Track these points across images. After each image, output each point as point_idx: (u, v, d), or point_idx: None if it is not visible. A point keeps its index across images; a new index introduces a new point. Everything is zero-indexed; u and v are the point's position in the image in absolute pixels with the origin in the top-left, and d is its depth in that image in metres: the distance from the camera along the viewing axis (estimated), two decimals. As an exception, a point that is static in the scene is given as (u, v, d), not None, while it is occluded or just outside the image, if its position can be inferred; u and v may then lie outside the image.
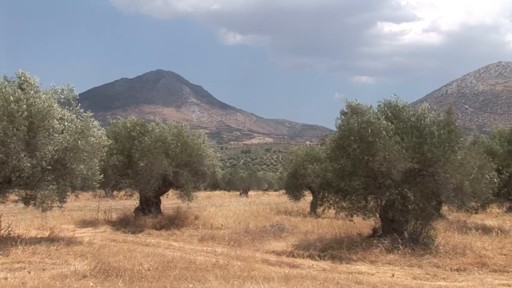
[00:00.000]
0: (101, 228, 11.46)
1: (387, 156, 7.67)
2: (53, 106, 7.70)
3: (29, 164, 7.37)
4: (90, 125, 8.39)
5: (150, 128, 12.45)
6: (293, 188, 17.30)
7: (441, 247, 7.80)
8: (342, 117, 8.72)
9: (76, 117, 8.44)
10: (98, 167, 8.76)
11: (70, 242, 8.40)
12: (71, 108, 8.54)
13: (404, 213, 8.32)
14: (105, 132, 9.27)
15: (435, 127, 8.11)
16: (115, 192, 26.06)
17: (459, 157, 8.03)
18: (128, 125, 12.48)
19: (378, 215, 8.75)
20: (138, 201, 13.33)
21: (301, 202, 18.23)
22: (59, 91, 8.35)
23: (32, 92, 7.87)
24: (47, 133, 7.71)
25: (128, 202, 18.24)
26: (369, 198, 8.74)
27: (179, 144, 12.08)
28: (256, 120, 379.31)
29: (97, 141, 8.39)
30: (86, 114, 8.57)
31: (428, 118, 8.32)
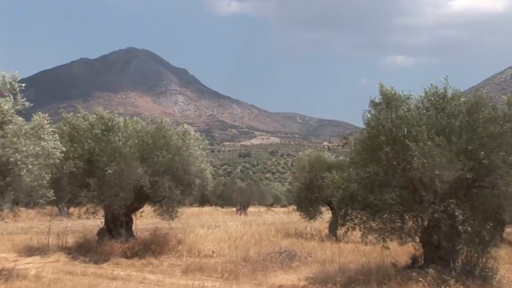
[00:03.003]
0: (53, 256, 11.46)
1: (426, 164, 7.66)
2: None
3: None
4: (38, 123, 8.37)
5: (119, 124, 12.50)
6: (307, 203, 17.37)
7: (504, 282, 7.87)
8: (373, 110, 8.74)
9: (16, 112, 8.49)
10: (47, 176, 8.79)
11: (10, 276, 8.36)
12: (12, 101, 8.50)
13: (453, 237, 8.33)
14: (57, 130, 9.26)
15: (495, 124, 8.09)
16: (71, 209, 26.17)
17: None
18: (90, 120, 12.52)
19: (418, 239, 8.77)
20: (103, 221, 13.38)
21: (316, 221, 18.30)
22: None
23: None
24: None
25: (89, 222, 18.29)
26: (407, 217, 8.76)
27: (158, 145, 12.16)
28: (257, 114, 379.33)
29: (47, 145, 8.40)
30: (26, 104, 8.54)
31: (486, 111, 8.27)
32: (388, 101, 8.48)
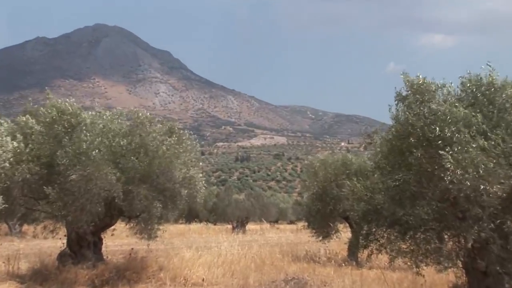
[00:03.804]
0: (2, 286, 11.42)
1: (466, 175, 7.55)
2: None
3: None
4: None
5: (86, 120, 12.45)
6: (320, 218, 17.34)
7: None
8: (399, 104, 8.75)
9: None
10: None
11: None
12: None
13: (505, 262, 8.31)
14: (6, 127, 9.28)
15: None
16: (25, 227, 26.17)
17: None
18: (49, 113, 12.40)
19: (461, 265, 8.75)
20: (64, 242, 13.34)
21: (332, 241, 18.28)
22: None
23: None
24: None
25: (47, 243, 18.28)
26: (446, 236, 8.75)
27: (134, 146, 12.20)
28: (259, 107, 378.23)
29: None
30: None
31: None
32: (416, 93, 8.48)
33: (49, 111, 12.38)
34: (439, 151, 7.81)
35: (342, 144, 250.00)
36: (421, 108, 8.28)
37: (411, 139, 8.32)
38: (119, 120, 12.87)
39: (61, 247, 13.48)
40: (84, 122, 12.33)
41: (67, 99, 12.79)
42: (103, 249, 13.71)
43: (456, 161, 7.57)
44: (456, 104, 8.15)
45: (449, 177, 7.65)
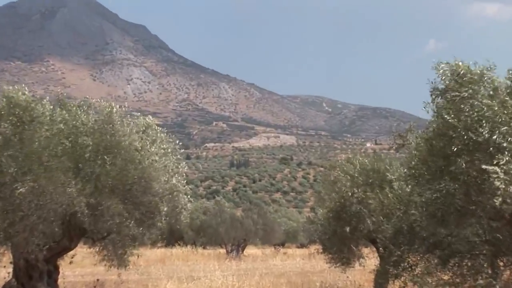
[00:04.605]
0: None
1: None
2: None
3: None
4: None
5: (39, 112, 12.11)
6: (339, 241, 17.17)
7: None
8: (437, 97, 8.74)
9: None
10: None
11: None
12: None
13: None
14: None
15: None
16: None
17: None
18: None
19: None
20: (10, 270, 13.29)
21: (355, 270, 18.21)
22: None
23: None
24: None
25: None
26: (501, 264, 8.75)
27: (101, 149, 12.16)
28: (260, 98, 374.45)
29: None
30: None
31: None
32: (457, 86, 8.38)
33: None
34: (483, 166, 7.69)
35: (368, 145, 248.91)
36: (463, 106, 8.16)
37: (455, 139, 8.24)
38: (85, 115, 12.71)
39: (5, 278, 13.47)
40: (39, 118, 11.97)
41: (16, 86, 12.47)
42: (60, 280, 13.58)
43: (508, 176, 7.47)
44: (507, 99, 8.07)
45: (500, 198, 7.50)
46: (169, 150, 13.05)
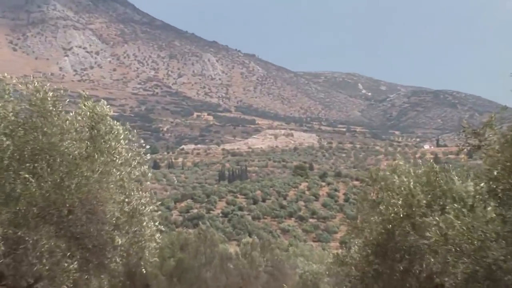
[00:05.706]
0: None
1: None
2: None
3: None
4: None
5: None
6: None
7: None
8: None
9: None
10: None
11: None
12: None
13: None
14: None
15: None
16: None
17: None
18: None
19: None
20: None
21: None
22: None
23: None
24: None
25: None
26: None
27: (26, 154, 11.47)
28: (265, 76, 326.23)
29: None
30: None
31: None
32: None
33: None
34: None
35: (426, 147, 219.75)
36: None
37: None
38: (1, 103, 11.68)
39: None
40: None
41: None
42: None
43: None
44: None
45: None
46: (130, 155, 11.65)
